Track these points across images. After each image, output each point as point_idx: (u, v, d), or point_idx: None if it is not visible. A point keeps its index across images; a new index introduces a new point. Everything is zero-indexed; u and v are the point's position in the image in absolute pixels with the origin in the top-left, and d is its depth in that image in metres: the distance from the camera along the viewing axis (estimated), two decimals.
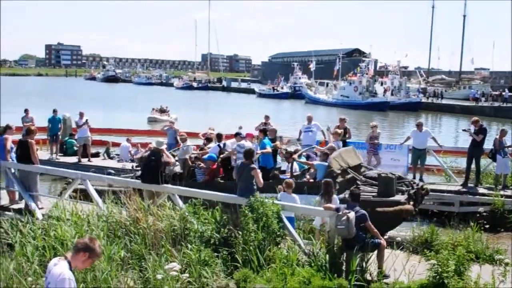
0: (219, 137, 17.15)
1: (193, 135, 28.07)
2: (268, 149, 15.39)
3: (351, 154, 14.81)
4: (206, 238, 9.76)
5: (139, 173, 18.55)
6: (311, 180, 14.01)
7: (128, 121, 41.58)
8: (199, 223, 10.04)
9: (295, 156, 15.71)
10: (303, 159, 16.22)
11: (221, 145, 16.53)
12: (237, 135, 16.22)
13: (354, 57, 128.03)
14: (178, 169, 16.73)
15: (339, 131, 18.34)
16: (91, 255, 5.27)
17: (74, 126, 26.70)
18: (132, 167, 20.30)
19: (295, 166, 15.79)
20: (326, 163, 13.95)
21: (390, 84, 75.48)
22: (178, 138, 20.26)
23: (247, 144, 15.09)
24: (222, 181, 14.82)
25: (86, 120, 23.56)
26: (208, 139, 18.06)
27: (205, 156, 16.02)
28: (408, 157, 19.55)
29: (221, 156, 15.82)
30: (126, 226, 10.20)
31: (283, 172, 15.85)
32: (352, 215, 9.39)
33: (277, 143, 16.84)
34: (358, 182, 13.60)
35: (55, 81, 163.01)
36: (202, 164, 15.89)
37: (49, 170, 14.82)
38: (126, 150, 23.40)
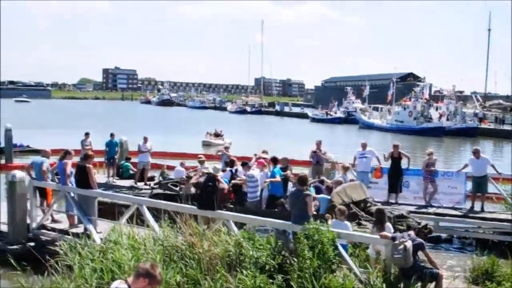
0: (232, 162, 17.60)
1: (247, 159, 28.15)
2: (278, 178, 15.86)
3: (356, 189, 14.82)
4: (261, 264, 9.74)
5: (156, 191, 18.98)
6: (314, 212, 13.77)
7: (183, 145, 42.05)
8: (254, 249, 10.05)
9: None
10: (312, 191, 15.68)
11: (233, 170, 16.98)
12: (244, 164, 17.01)
13: (408, 81, 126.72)
14: (193, 190, 16.96)
15: (347, 164, 18.35)
16: (151, 282, 5.30)
17: (131, 149, 27.21)
18: (150, 185, 20.63)
19: None
20: (329, 197, 14.12)
21: (446, 109, 74.19)
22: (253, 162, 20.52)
23: (255, 173, 15.78)
24: (232, 206, 15.00)
25: (151, 145, 24.00)
26: (232, 162, 18.06)
27: None
28: (465, 185, 19.15)
29: (232, 181, 16.19)
30: (181, 250, 10.27)
31: None
32: (409, 244, 9.25)
33: (288, 172, 17.11)
34: (360, 218, 13.52)
35: (112, 104, 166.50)
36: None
37: (107, 195, 15.09)
38: (180, 174, 23.60)
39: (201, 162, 19.68)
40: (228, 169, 17.27)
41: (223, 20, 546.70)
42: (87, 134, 25.87)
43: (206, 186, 12.70)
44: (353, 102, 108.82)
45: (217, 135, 47.44)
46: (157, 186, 20.54)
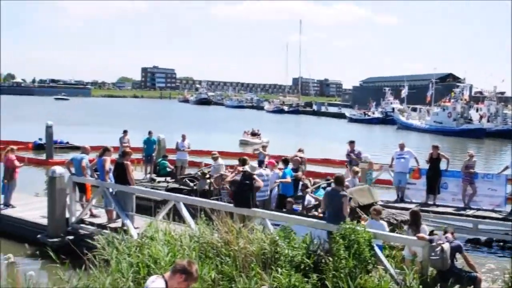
0: (243, 161, 17.42)
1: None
2: (288, 179, 16.51)
3: (364, 193, 14.81)
4: (296, 263, 9.72)
5: (171, 185, 19.19)
6: (321, 215, 13.63)
7: (220, 143, 42.24)
8: (289, 248, 10.03)
9: (308, 189, 16.05)
10: (321, 192, 16.10)
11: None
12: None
13: (447, 82, 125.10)
14: (207, 186, 18.00)
15: (357, 168, 18.10)
16: (187, 278, 5.34)
17: (169, 147, 27.45)
18: (165, 179, 21.03)
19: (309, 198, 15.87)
20: None
21: (486, 110, 73.14)
22: (266, 162, 20.59)
23: (266, 172, 16.07)
24: None
25: (189, 143, 24.21)
26: (244, 161, 18.24)
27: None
28: (506, 188, 18.81)
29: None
30: (217, 247, 10.30)
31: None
32: (446, 246, 9.13)
33: (299, 173, 17.42)
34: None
35: (150, 103, 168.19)
36: (226, 185, 16.60)
37: (144, 191, 15.25)
38: (353, 182, 23.44)
39: (215, 159, 20.40)
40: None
41: (261, 20, 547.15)
42: (125, 132, 26.21)
43: (243, 184, 12.73)
44: (391, 103, 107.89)
45: (254, 134, 47.54)
46: (173, 180, 21.06)
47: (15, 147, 18.75)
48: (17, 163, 17.67)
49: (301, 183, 16.85)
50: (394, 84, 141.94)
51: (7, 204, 17.29)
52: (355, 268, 9.43)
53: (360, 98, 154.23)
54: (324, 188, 16.35)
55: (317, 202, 15.21)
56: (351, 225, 10.06)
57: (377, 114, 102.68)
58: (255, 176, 13.13)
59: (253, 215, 12.14)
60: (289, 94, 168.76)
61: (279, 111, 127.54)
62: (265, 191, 15.68)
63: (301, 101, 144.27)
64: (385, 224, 11.28)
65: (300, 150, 20.65)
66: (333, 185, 11.67)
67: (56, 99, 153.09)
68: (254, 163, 14.62)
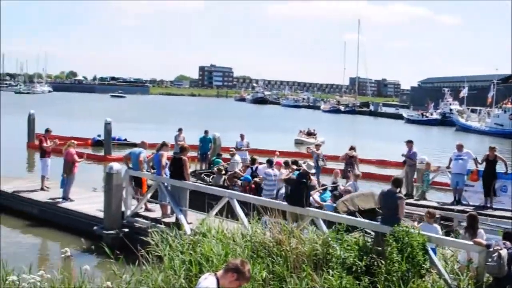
0: (252, 160, 19.33)
1: (336, 158, 27.90)
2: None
3: (366, 198, 14.70)
4: (348, 265, 9.63)
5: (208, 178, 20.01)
6: None
7: (275, 142, 42.26)
8: (341, 249, 9.95)
9: (312, 192, 15.89)
10: (327, 195, 16.63)
11: (254, 168, 18.76)
12: (267, 162, 17.70)
13: (510, 83, 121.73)
14: (221, 181, 18.79)
15: (357, 172, 18.07)
16: (239, 278, 5.33)
17: (223, 146, 27.64)
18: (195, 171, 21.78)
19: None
20: (335, 205, 14.44)
21: None
22: (321, 161, 20.60)
23: (273, 172, 16.69)
24: None
25: (247, 142, 24.35)
26: (253, 160, 19.67)
27: (241, 177, 18.52)
28: None
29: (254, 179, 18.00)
30: (269, 247, 10.30)
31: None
32: (504, 252, 8.87)
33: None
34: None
35: (207, 101, 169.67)
36: (238, 182, 18.24)
37: (199, 187, 15.40)
38: (354, 185, 23.51)
39: (232, 155, 21.96)
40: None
41: (318, 19, 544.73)
42: (180, 130, 26.59)
43: (299, 183, 12.69)
44: (450, 104, 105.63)
45: (309, 133, 47.32)
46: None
47: (75, 142, 19.25)
48: (76, 158, 18.14)
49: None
50: (454, 85, 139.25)
51: (65, 198, 17.77)
52: (408, 272, 9.29)
53: (418, 98, 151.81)
54: (331, 191, 16.96)
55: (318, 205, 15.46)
56: (405, 228, 9.91)
57: (435, 115, 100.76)
58: (310, 175, 13.12)
59: (306, 214, 12.10)
60: (345, 94, 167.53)
61: (335, 111, 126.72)
62: (271, 190, 16.48)
63: (357, 101, 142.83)
64: (438, 227, 11.06)
65: (352, 148, 20.57)
66: (390, 186, 11.49)
67: (112, 96, 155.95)
68: (310, 162, 14.58)
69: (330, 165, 25.70)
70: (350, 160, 20.44)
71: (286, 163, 17.80)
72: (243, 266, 5.37)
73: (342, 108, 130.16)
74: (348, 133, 64.72)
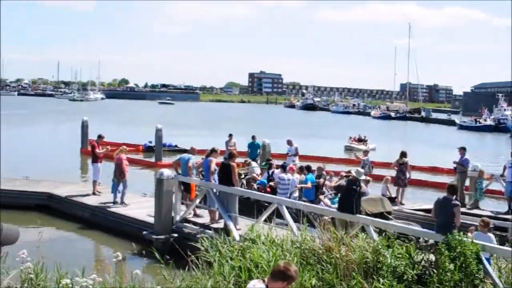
0: (269, 166, 20.35)
1: (389, 165, 27.54)
2: (308, 185, 17.78)
3: (374, 203, 15.18)
4: (399, 273, 9.46)
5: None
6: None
7: (325, 149, 42.07)
8: (392, 257, 9.78)
9: (321, 196, 17.54)
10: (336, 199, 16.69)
11: (270, 172, 19.79)
12: (281, 166, 18.86)
13: None
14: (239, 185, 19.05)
15: (368, 178, 18.27)
16: (289, 282, 5.29)
17: (273, 152, 27.67)
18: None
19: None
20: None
21: None
22: (366, 168, 20.50)
23: (287, 176, 17.51)
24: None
25: (296, 148, 24.33)
26: (270, 165, 20.70)
27: (258, 181, 19.55)
28: None
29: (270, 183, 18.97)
30: (318, 254, 10.21)
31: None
32: None
33: (321, 180, 18.67)
34: None
35: (257, 107, 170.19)
36: (255, 186, 19.15)
37: (248, 193, 15.40)
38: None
39: (248, 164, 22.65)
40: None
41: (368, 24, 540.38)
42: (230, 136, 26.79)
43: (349, 190, 12.58)
44: (504, 110, 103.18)
45: (360, 140, 46.87)
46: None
47: (126, 148, 19.59)
48: (125, 163, 18.43)
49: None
50: (508, 90, 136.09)
51: (120, 202, 18.08)
52: (461, 281, 9.07)
53: (471, 104, 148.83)
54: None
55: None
56: (457, 236, 9.68)
57: (489, 122, 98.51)
58: (361, 182, 13.01)
59: (357, 221, 11.97)
60: (396, 100, 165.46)
61: (386, 117, 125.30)
62: (285, 194, 17.02)
63: (407, 107, 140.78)
64: (492, 236, 10.77)
65: (403, 154, 20.28)
66: (446, 194, 11.28)
67: (161, 103, 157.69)
68: (360, 169, 14.46)
69: (381, 171, 25.46)
70: (401, 167, 20.16)
71: (300, 168, 18.86)
72: (289, 269, 5.30)
73: (392, 114, 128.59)
74: (399, 139, 63.89)
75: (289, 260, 9.58)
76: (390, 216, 15.56)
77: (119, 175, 18.14)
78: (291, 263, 5.47)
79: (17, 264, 8.64)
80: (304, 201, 16.64)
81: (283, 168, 18.18)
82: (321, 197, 17.54)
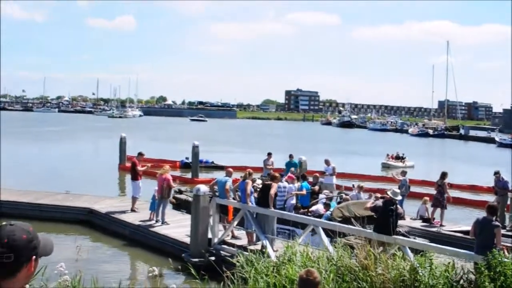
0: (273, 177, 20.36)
1: (428, 183, 27.32)
2: (303, 192, 18.99)
3: (362, 205, 15.66)
4: None
5: None
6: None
7: (362, 166, 41.83)
8: (430, 277, 9.67)
9: (314, 201, 19.01)
10: (334, 203, 18.33)
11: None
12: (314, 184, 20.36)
13: None
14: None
15: (361, 184, 20.86)
16: None
17: (309, 169, 27.58)
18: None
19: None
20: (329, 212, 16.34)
21: None
22: (403, 189, 20.36)
23: (283, 184, 17.65)
24: None
25: (333, 167, 24.23)
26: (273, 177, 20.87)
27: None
28: None
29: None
30: (354, 272, 10.16)
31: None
32: None
33: (316, 187, 20.90)
34: None
35: (293, 125, 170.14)
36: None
37: (284, 214, 15.38)
38: (357, 196, 23.38)
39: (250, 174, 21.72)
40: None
41: (404, 41, 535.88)
42: (269, 154, 26.96)
43: (387, 211, 12.51)
44: None
45: (398, 157, 46.41)
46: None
47: (168, 167, 19.76)
48: (172, 182, 18.63)
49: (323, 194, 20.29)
50: None
51: (162, 221, 18.18)
52: None
53: (511, 121, 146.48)
54: (338, 202, 18.47)
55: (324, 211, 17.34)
56: (497, 256, 9.52)
57: None
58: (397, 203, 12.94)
59: (393, 242, 11.85)
60: (434, 117, 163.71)
61: (424, 134, 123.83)
62: (281, 201, 17.42)
63: (445, 125, 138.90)
64: None
65: (443, 175, 20.01)
66: (486, 214, 11.13)
67: (192, 120, 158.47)
68: (396, 189, 14.37)
69: (419, 190, 25.21)
70: (439, 189, 19.94)
71: (299, 177, 20.07)
72: (313, 276, 5.17)
73: (430, 131, 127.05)
74: (437, 157, 63.14)
75: (325, 278, 9.55)
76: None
77: (166, 195, 18.28)
78: (312, 271, 5.33)
79: (55, 276, 8.80)
80: (301, 207, 18.44)
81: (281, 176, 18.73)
82: (314, 202, 18.97)
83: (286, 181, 18.60)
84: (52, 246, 2.64)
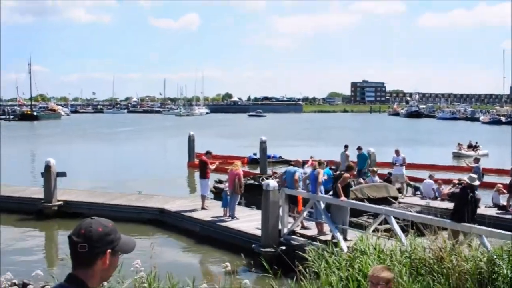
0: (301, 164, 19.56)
1: (503, 172, 26.53)
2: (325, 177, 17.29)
3: (377, 189, 16.90)
4: None
5: (249, 181, 22.08)
6: None
7: (432, 156, 40.99)
8: (508, 268, 9.35)
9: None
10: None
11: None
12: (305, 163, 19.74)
13: None
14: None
15: (375, 168, 21.99)
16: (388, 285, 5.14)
17: (378, 160, 27.29)
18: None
19: None
20: None
21: None
22: (480, 174, 19.81)
23: (308, 170, 17.45)
24: None
25: (403, 158, 23.89)
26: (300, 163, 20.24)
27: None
28: None
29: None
30: (429, 264, 9.93)
31: None
32: None
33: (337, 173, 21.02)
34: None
35: (360, 117, 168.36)
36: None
37: (354, 204, 15.24)
38: (429, 186, 22.93)
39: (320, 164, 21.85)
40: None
41: (472, 27, 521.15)
42: (346, 147, 26.89)
43: (465, 197, 12.20)
44: None
45: (470, 146, 45.19)
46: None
47: (239, 163, 19.88)
48: (242, 178, 18.77)
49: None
50: None
51: (232, 217, 18.35)
52: None
53: None
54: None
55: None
56: None
57: None
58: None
59: (469, 231, 11.54)
60: (506, 104, 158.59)
61: (496, 122, 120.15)
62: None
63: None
64: None
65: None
66: None
67: (250, 115, 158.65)
68: (473, 175, 13.95)
69: (494, 179, 24.52)
70: None
71: (319, 162, 18.82)
72: (381, 272, 5.08)
73: (503, 119, 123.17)
74: (509, 145, 61.11)
75: (399, 270, 9.39)
76: (395, 202, 17.00)
77: (238, 190, 18.38)
78: (376, 267, 5.24)
79: (131, 273, 8.99)
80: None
81: (389, 180, 18.32)
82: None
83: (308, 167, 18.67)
84: (134, 245, 2.72)
